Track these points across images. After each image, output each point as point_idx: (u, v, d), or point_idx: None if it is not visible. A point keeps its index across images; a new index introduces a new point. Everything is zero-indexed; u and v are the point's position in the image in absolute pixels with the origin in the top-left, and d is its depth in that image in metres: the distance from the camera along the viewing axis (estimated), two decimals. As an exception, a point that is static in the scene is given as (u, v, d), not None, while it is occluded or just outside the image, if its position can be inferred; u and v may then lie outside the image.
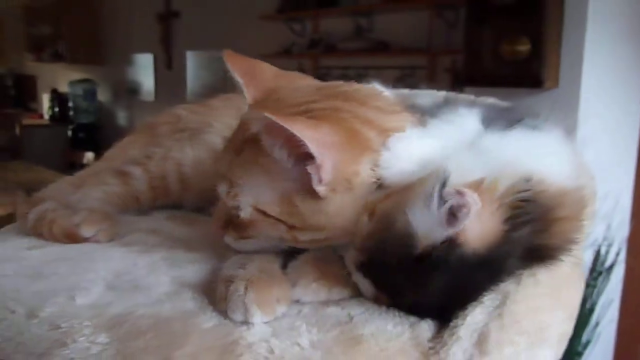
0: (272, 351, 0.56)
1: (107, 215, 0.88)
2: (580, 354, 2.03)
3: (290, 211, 0.65)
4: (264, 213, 0.66)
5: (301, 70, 3.93)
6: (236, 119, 1.00)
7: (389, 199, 0.62)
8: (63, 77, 6.61)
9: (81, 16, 6.07)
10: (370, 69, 3.48)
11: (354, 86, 0.76)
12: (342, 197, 0.64)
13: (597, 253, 2.02)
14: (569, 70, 1.94)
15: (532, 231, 0.59)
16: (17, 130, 6.48)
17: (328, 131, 0.63)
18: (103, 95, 6.38)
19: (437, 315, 0.61)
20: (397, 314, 0.62)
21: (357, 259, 0.63)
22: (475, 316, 0.59)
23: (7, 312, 0.65)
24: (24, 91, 7.31)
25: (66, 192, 0.97)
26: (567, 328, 0.67)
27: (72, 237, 0.83)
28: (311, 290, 0.65)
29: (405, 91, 1.07)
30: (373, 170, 0.65)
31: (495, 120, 0.69)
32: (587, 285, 2.01)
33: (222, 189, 0.70)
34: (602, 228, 1.99)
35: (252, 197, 0.67)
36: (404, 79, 3.31)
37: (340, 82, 0.78)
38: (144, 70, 5.66)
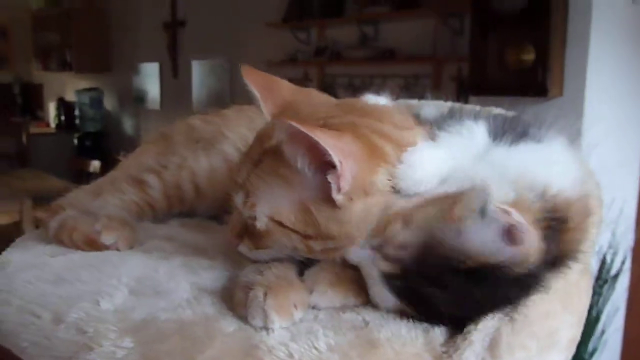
0: (291, 355, 0.58)
1: (126, 222, 0.90)
2: (586, 361, 2.05)
3: (306, 220, 0.67)
4: (280, 224, 0.68)
5: (306, 78, 3.97)
6: (249, 129, 1.02)
7: (427, 209, 0.63)
8: (70, 86, 6.67)
9: (88, 25, 6.13)
10: (375, 77, 3.51)
11: (370, 104, 0.78)
12: (357, 207, 0.66)
13: (603, 261, 2.04)
14: (573, 79, 1.96)
15: (556, 242, 0.61)
16: (24, 139, 6.54)
17: (349, 141, 0.66)
18: (109, 104, 6.43)
19: (459, 324, 0.63)
20: (410, 319, 0.64)
21: (385, 269, 0.64)
22: (487, 321, 0.61)
23: (33, 317, 0.68)
24: (30, 99, 7.36)
25: (85, 200, 1.00)
26: (576, 333, 0.69)
27: (93, 244, 0.85)
28: (327, 297, 0.67)
29: (413, 101, 1.10)
30: (389, 180, 0.67)
31: (502, 132, 0.71)
32: (593, 293, 2.01)
33: (238, 199, 0.72)
34: (607, 236, 2.00)
35: (269, 207, 0.69)
36: (409, 87, 3.34)
37: (357, 99, 0.80)
38: (150, 79, 5.71)
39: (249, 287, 0.65)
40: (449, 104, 1.09)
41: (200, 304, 0.68)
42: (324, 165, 0.64)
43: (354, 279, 0.68)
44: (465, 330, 0.61)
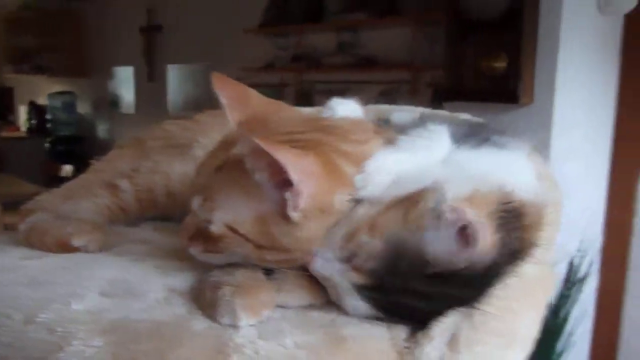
0: (258, 352, 0.60)
1: (97, 226, 0.91)
2: (555, 363, 2.09)
3: (261, 231, 0.68)
4: (235, 231, 0.69)
5: (284, 84, 3.99)
6: (222, 135, 1.03)
7: (388, 214, 0.65)
8: (42, 89, 6.59)
9: (63, 29, 6.07)
10: (353, 83, 3.54)
11: (336, 120, 0.80)
12: (312, 225, 0.68)
13: (571, 264, 2.08)
14: (543, 87, 2.00)
15: (513, 240, 0.64)
16: (-6, 143, 6.44)
17: (310, 161, 0.67)
18: (83, 108, 6.37)
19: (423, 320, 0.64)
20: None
21: (358, 281, 0.65)
22: (447, 317, 0.63)
23: (5, 318, 0.68)
24: (0, 103, 7.23)
25: (56, 203, 1.00)
26: (534, 329, 0.71)
27: (64, 247, 0.86)
28: (295, 296, 0.69)
29: (384, 106, 1.12)
30: (349, 199, 0.69)
31: (465, 136, 0.74)
32: (562, 296, 2.06)
33: (196, 201, 0.73)
34: (575, 240, 2.05)
35: (226, 213, 0.70)
36: (387, 93, 3.38)
37: (324, 117, 0.82)
38: (124, 83, 5.67)
39: (217, 287, 0.67)
40: (420, 109, 1.12)
41: (171, 305, 0.69)
42: (283, 181, 0.65)
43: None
44: (427, 326, 0.63)
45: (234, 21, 4.19)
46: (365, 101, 0.94)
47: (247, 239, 0.69)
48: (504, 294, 0.65)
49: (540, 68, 2.01)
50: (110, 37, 5.73)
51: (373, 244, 0.64)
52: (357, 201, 0.69)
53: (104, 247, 0.88)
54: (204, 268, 0.76)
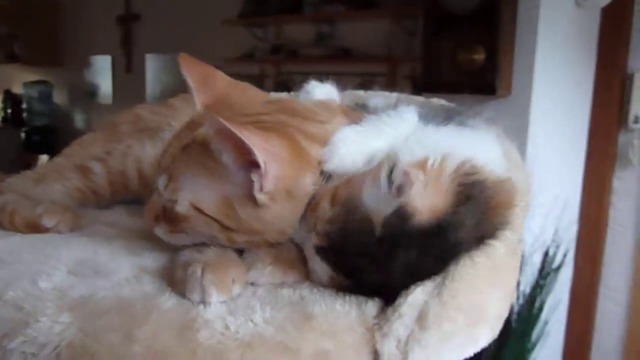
0: (227, 327, 0.60)
1: (67, 207, 0.90)
2: (529, 351, 2.11)
3: (227, 213, 0.68)
4: (201, 211, 0.69)
5: (263, 75, 3.97)
6: (194, 119, 1.03)
7: (348, 184, 0.67)
8: (17, 79, 6.46)
9: (38, 16, 5.94)
10: (331, 75, 3.52)
11: (300, 103, 0.81)
12: (279, 206, 0.68)
13: (546, 254, 2.11)
14: (521, 79, 2.02)
15: (476, 213, 0.64)
16: (-32, 132, 6.32)
17: (275, 143, 0.67)
18: (59, 98, 6.27)
19: (391, 295, 0.65)
20: (345, 295, 0.67)
21: (317, 244, 0.67)
22: (416, 294, 0.63)
23: (-31, 296, 0.67)
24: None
25: (26, 186, 0.99)
26: (502, 309, 0.72)
27: (33, 227, 0.85)
28: (266, 273, 0.69)
29: (361, 92, 1.13)
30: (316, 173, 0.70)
31: (432, 116, 0.75)
32: (537, 285, 2.09)
33: (161, 181, 0.73)
34: (551, 230, 2.08)
35: (191, 193, 0.69)
36: (365, 85, 3.37)
37: (288, 98, 0.82)
38: (101, 73, 5.59)
39: (188, 265, 0.67)
40: (396, 95, 1.12)
41: (139, 283, 0.69)
42: (249, 163, 0.65)
43: (292, 258, 0.71)
44: (396, 303, 0.63)
45: (213, 11, 4.16)
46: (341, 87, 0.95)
47: (213, 220, 0.68)
48: (473, 272, 0.65)
49: (518, 60, 2.03)
50: (87, 26, 5.64)
51: (332, 210, 0.66)
52: (327, 176, 0.69)
53: (74, 229, 0.87)
54: (176, 249, 0.76)
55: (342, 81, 1.01)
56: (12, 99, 6.40)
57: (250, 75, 3.87)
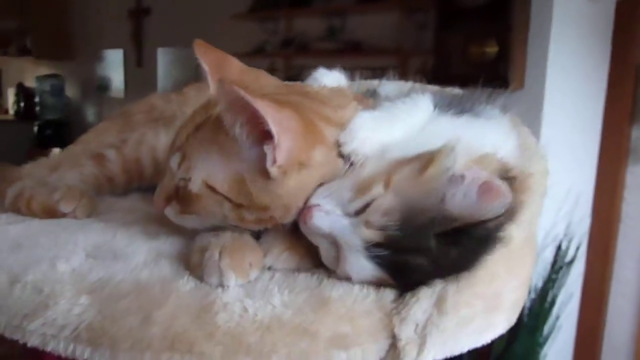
0: (246, 310, 0.60)
1: (84, 193, 0.90)
2: (541, 346, 2.11)
3: (239, 189, 0.68)
4: (213, 189, 0.68)
5: (273, 69, 3.97)
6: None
7: (402, 171, 0.64)
8: (30, 72, 6.49)
9: (50, 10, 5.97)
10: (342, 69, 3.52)
11: (316, 88, 0.80)
12: (291, 181, 0.67)
13: (558, 248, 2.10)
14: (534, 72, 2.01)
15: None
16: (-19, 126, 6.36)
17: (289, 115, 0.66)
18: (71, 92, 6.30)
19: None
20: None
21: (369, 238, 0.62)
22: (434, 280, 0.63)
23: (-11, 279, 0.68)
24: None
25: (42, 173, 0.99)
26: (520, 295, 0.72)
27: (50, 213, 0.85)
28: (283, 258, 0.69)
29: (373, 81, 1.12)
30: (339, 147, 0.69)
31: (447, 105, 0.74)
32: (549, 279, 2.08)
33: (174, 160, 0.72)
34: (563, 224, 2.07)
35: (204, 171, 0.69)
36: (375, 79, 3.36)
37: (305, 84, 0.82)
38: (113, 67, 5.61)
39: (205, 249, 0.67)
40: (410, 83, 1.12)
41: (157, 266, 0.69)
42: (262, 135, 0.65)
43: (309, 244, 0.70)
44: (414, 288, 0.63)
45: (224, 5, 4.16)
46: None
47: (226, 198, 0.68)
48: (492, 257, 0.65)
49: (531, 54, 2.02)
50: (98, 20, 5.65)
51: (387, 199, 0.63)
52: (346, 158, 0.68)
53: (91, 214, 0.88)
54: (192, 234, 0.76)
55: (352, 75, 1.01)
56: (25, 93, 6.43)
57: (261, 69, 3.85)
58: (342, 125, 0.71)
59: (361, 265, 0.64)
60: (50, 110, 6.16)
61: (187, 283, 0.65)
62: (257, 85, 0.79)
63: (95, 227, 0.81)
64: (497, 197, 0.60)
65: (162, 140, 1.04)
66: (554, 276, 2.09)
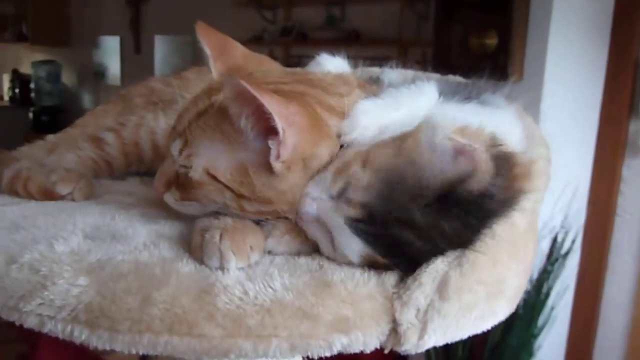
0: (246, 292, 0.60)
1: (82, 175, 0.89)
2: (535, 337, 2.12)
3: (241, 181, 0.67)
4: (215, 178, 0.68)
5: (272, 57, 3.93)
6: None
7: (382, 148, 0.64)
8: (26, 58, 6.45)
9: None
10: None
11: (319, 75, 0.79)
12: (295, 177, 0.66)
13: (554, 240, 2.10)
14: (534, 64, 2.01)
15: (503, 184, 0.64)
16: (-25, 112, 6.32)
17: (295, 111, 0.65)
18: (67, 78, 6.26)
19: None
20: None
21: (351, 215, 0.63)
22: (437, 264, 0.63)
23: (-16, 260, 0.67)
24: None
25: (39, 155, 0.98)
26: (521, 282, 0.72)
27: (48, 195, 0.84)
28: (284, 242, 0.69)
29: (376, 69, 1.11)
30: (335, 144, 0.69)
31: (452, 93, 0.73)
32: (544, 271, 2.09)
33: (175, 146, 0.71)
34: (560, 216, 2.07)
35: (206, 159, 0.68)
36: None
37: (308, 70, 0.81)
38: (110, 54, 5.57)
39: (205, 230, 0.66)
40: (412, 71, 1.11)
41: (157, 248, 0.68)
42: (267, 129, 0.64)
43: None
44: (416, 272, 0.62)
45: (223, -8, 4.14)
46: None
47: (227, 187, 0.67)
48: (494, 243, 0.64)
49: (530, 45, 2.01)
50: (95, 6, 5.61)
51: (365, 175, 0.63)
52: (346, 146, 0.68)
53: (89, 197, 0.87)
54: (193, 218, 0.75)
55: (352, 64, 1.00)
56: (20, 79, 6.39)
57: (262, 56, 3.84)
58: (345, 114, 0.70)
59: (349, 243, 0.64)
60: (46, 97, 6.12)
61: (187, 265, 0.64)
62: (261, 72, 0.77)
63: (94, 209, 0.80)
64: (470, 158, 0.60)
65: (161, 123, 1.03)
66: (549, 268, 2.09)
